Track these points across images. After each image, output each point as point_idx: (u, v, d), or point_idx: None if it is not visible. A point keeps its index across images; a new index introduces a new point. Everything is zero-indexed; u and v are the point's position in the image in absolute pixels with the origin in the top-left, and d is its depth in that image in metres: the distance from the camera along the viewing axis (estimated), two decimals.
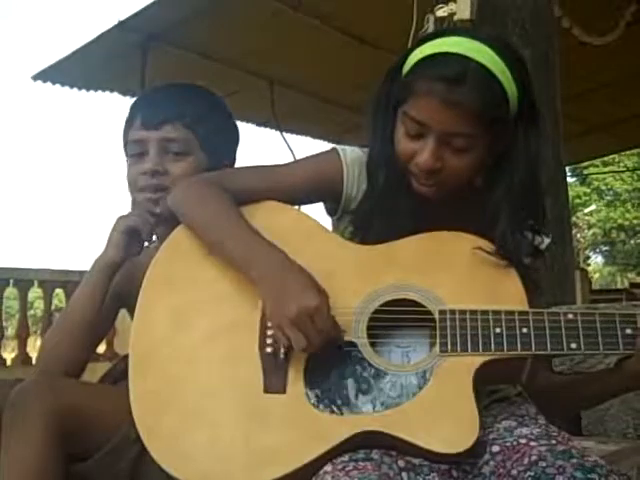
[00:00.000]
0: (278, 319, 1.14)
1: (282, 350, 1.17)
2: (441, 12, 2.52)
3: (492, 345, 1.13)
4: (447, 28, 1.19)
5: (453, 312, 1.15)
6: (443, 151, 1.19)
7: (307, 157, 1.37)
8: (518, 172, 1.22)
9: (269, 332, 1.19)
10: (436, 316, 1.16)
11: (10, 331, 9.67)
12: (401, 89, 1.22)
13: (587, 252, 26.69)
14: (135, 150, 1.50)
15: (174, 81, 1.64)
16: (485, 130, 1.19)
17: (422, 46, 1.22)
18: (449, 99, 1.15)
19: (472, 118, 1.16)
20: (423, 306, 1.18)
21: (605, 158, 18.21)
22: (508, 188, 1.22)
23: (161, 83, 1.64)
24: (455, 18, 2.46)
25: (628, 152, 16.97)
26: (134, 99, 1.62)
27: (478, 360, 1.13)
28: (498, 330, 1.13)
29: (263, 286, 1.18)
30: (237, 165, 1.59)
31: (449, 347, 1.14)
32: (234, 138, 1.61)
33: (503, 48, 1.20)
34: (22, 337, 6.31)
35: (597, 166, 21.06)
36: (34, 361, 6.04)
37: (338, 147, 1.32)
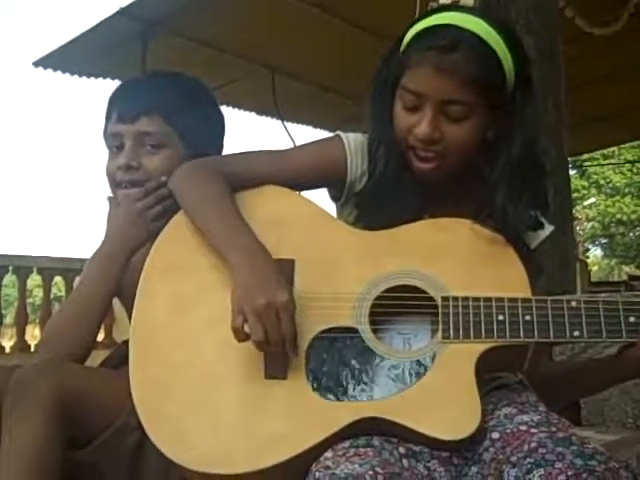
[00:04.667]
0: (243, 304, 1.11)
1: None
2: (444, 0, 2.51)
3: (495, 332, 1.13)
4: (439, 6, 1.22)
5: (456, 299, 1.15)
6: (441, 120, 1.20)
7: (310, 142, 1.37)
8: (515, 146, 1.22)
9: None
10: (439, 302, 1.16)
11: (9, 319, 9.67)
12: (397, 66, 1.23)
13: (586, 245, 26.71)
14: (113, 144, 1.48)
15: (153, 70, 1.60)
16: (481, 98, 1.19)
17: (416, 24, 1.24)
18: (443, 66, 1.16)
19: (467, 84, 1.17)
20: (426, 293, 1.17)
21: (604, 151, 18.18)
22: (506, 162, 1.23)
23: (140, 74, 1.60)
24: None
25: (628, 144, 16.95)
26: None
27: (480, 347, 1.12)
28: (501, 317, 1.13)
29: (238, 272, 1.16)
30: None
31: (451, 334, 1.13)
32: (218, 127, 1.57)
33: (496, 21, 1.21)
34: (21, 325, 6.31)
35: (597, 158, 21.02)
36: (32, 349, 6.06)
37: (341, 133, 1.32)
